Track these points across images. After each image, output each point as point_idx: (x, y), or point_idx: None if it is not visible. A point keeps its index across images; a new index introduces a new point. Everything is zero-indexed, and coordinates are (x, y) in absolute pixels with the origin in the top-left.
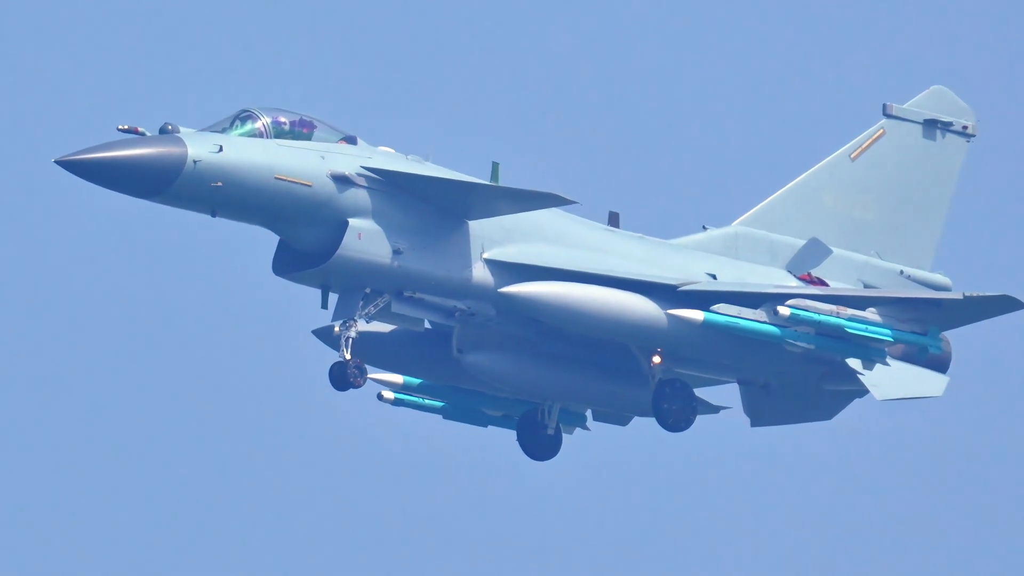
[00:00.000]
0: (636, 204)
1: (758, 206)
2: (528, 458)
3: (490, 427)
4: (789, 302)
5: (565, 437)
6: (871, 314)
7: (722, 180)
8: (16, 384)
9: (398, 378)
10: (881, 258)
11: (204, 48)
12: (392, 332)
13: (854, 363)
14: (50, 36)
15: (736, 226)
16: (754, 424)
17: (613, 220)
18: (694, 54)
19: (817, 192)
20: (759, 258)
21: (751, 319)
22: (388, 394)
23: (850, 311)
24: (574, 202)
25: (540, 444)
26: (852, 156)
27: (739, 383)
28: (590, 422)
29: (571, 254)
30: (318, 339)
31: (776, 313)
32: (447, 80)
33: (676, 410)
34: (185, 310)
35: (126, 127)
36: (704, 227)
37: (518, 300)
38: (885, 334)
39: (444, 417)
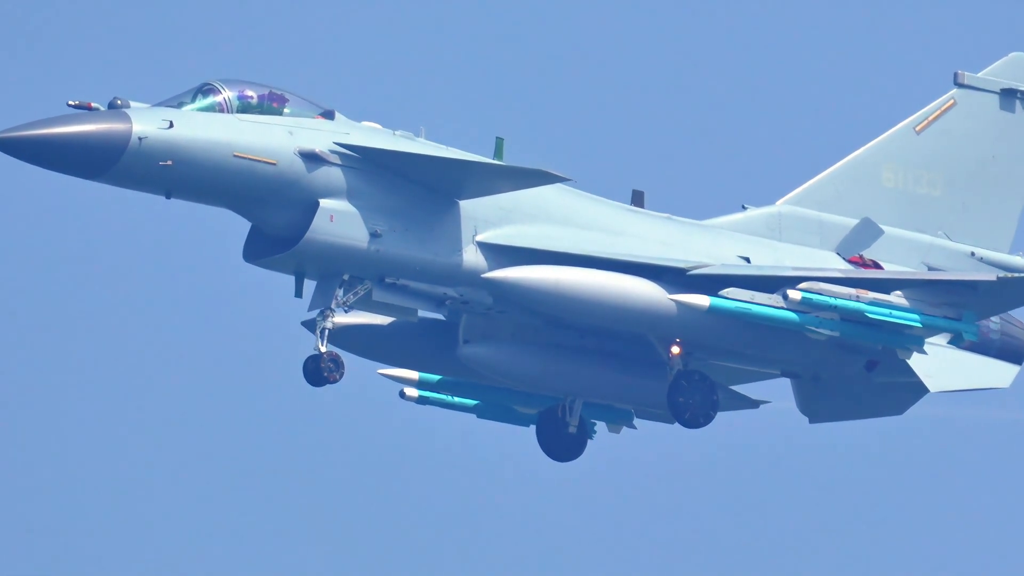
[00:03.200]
0: (677, 182)
1: (807, 183)
2: (549, 459)
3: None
4: (801, 285)
5: (611, 436)
6: (896, 298)
7: (771, 157)
8: None
9: (412, 374)
10: (950, 239)
11: (211, 28)
12: (392, 324)
13: (902, 353)
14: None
15: (781, 205)
16: (812, 421)
17: (637, 199)
18: (741, 18)
19: (875, 168)
20: (806, 240)
21: (765, 304)
22: (411, 391)
23: (872, 295)
24: (567, 179)
25: (561, 444)
26: (917, 129)
27: (784, 376)
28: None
29: (577, 236)
30: (308, 330)
31: (787, 297)
32: (465, 54)
33: (693, 404)
34: (160, 303)
35: (76, 102)
36: (744, 207)
37: (504, 286)
38: (912, 319)
39: (478, 416)
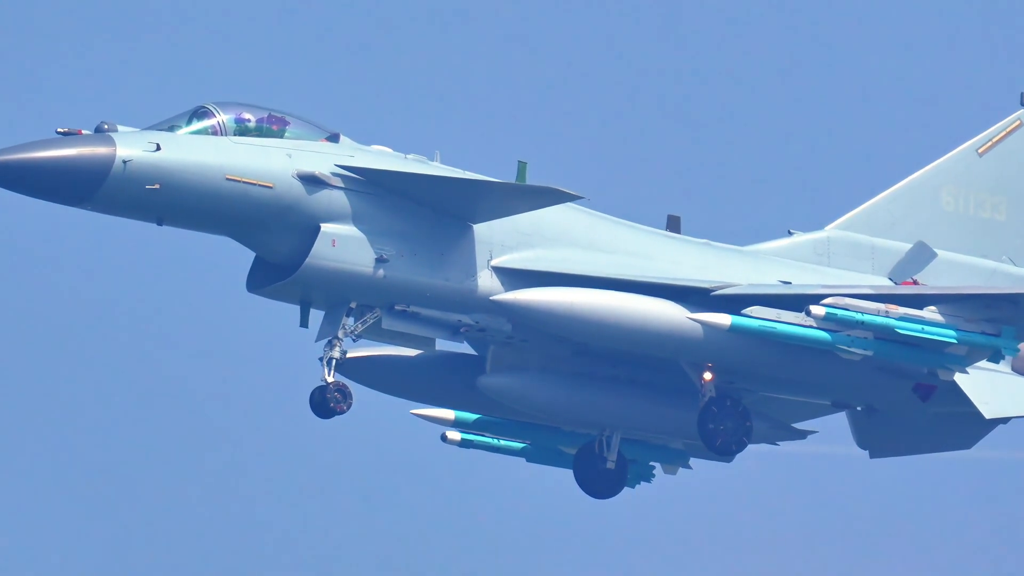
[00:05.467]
0: (720, 208)
1: (859, 208)
2: (587, 496)
3: None
4: (825, 300)
5: (668, 479)
6: (930, 313)
7: (821, 181)
8: None
9: (448, 414)
10: (1015, 264)
11: (224, 52)
12: (418, 357)
13: (944, 373)
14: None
15: (830, 230)
16: (873, 456)
17: (673, 225)
18: (794, 36)
19: (934, 191)
20: (857, 265)
21: (791, 323)
22: (453, 435)
23: (902, 310)
24: (579, 196)
25: (600, 480)
26: (980, 151)
27: (836, 407)
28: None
29: (601, 260)
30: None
31: (811, 313)
32: (489, 76)
33: (724, 431)
34: (162, 337)
35: (65, 130)
36: (790, 232)
37: (515, 308)
38: (947, 335)
39: (528, 460)
